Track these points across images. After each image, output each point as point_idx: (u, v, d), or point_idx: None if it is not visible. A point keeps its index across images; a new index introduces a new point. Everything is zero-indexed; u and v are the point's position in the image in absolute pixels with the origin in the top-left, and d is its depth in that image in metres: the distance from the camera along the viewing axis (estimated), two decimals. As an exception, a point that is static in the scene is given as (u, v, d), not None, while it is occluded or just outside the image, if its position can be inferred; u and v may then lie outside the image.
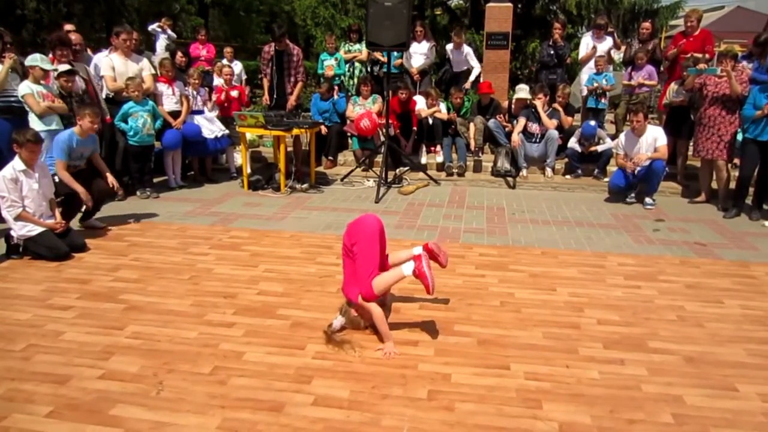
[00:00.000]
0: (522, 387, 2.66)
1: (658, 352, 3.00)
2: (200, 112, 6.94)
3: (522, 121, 7.27)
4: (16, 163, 4.23)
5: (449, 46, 8.74)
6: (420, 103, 7.79)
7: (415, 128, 7.63)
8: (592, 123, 7.13)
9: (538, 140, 7.28)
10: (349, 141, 7.95)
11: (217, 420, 2.37)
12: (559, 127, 7.24)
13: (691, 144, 6.65)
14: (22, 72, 5.39)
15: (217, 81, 7.87)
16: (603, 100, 7.60)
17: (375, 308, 2.98)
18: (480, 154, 7.70)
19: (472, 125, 7.63)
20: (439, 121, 7.64)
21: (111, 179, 5.05)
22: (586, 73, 7.85)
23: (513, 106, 7.79)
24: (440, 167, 7.56)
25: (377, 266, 3.07)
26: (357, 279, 3.02)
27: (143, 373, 2.72)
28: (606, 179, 6.92)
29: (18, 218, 4.21)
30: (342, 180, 7.17)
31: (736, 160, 6.40)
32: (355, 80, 8.59)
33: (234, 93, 7.40)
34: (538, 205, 6.19)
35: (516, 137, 7.20)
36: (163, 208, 5.76)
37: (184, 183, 6.84)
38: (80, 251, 4.41)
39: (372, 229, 3.04)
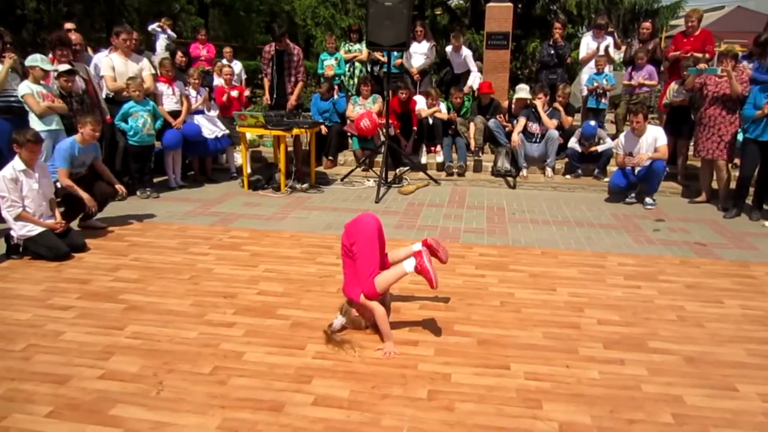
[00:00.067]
0: (522, 387, 2.66)
1: (658, 352, 3.00)
2: (200, 112, 6.94)
3: (522, 120, 7.27)
4: (16, 163, 4.23)
5: (449, 48, 8.75)
6: (420, 103, 7.79)
7: (415, 128, 7.63)
8: (592, 123, 7.13)
9: (538, 140, 7.28)
10: (350, 141, 7.95)
11: (217, 420, 2.37)
12: (560, 127, 7.23)
13: (692, 144, 6.64)
14: (22, 72, 5.39)
15: (217, 81, 7.87)
16: (603, 100, 7.59)
17: (377, 307, 2.99)
18: (480, 154, 7.69)
19: (472, 125, 7.63)
20: (440, 121, 7.63)
21: (119, 186, 5.10)
22: (587, 73, 7.85)
23: (513, 106, 7.78)
24: (440, 167, 7.56)
25: (378, 265, 3.07)
26: (359, 278, 3.02)
27: (143, 373, 2.72)
28: (606, 179, 6.92)
29: (18, 218, 4.21)
30: (342, 180, 7.17)
31: (737, 160, 6.40)
32: (356, 80, 8.59)
33: (234, 93, 7.40)
34: (538, 205, 6.19)
35: (516, 137, 7.20)
36: (163, 208, 5.76)
37: (184, 183, 6.84)
38: (80, 251, 4.42)
39: (370, 227, 3.05)
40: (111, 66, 6.23)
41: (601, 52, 7.71)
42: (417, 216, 5.64)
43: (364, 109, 7.59)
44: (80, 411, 2.42)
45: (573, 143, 7.21)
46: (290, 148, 7.17)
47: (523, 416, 2.44)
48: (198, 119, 6.87)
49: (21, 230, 4.24)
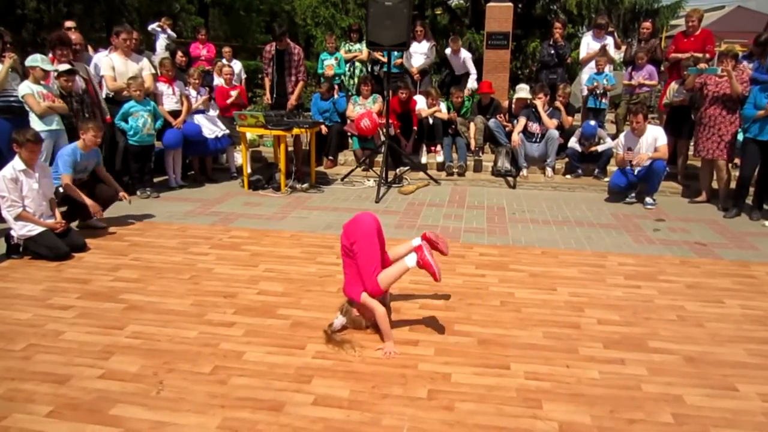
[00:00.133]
0: (522, 387, 2.66)
1: (658, 352, 3.00)
2: (200, 111, 6.94)
3: (522, 120, 7.27)
4: (16, 163, 4.23)
5: (448, 50, 8.76)
6: (420, 102, 7.79)
7: (415, 128, 7.63)
8: (592, 123, 7.13)
9: (538, 140, 7.28)
10: (350, 141, 7.95)
11: (217, 420, 2.37)
12: (560, 127, 7.24)
13: (692, 144, 6.64)
14: (22, 72, 5.39)
15: (218, 81, 7.87)
16: (604, 100, 7.59)
17: (378, 307, 2.99)
18: (480, 154, 7.69)
19: (472, 125, 7.63)
20: (440, 121, 7.63)
21: (123, 194, 5.14)
22: (587, 72, 7.84)
23: (513, 106, 7.78)
24: (440, 167, 7.56)
25: (380, 262, 3.08)
26: (361, 277, 3.03)
27: (143, 372, 2.72)
28: (606, 179, 6.91)
29: (18, 218, 4.21)
30: (342, 180, 7.17)
31: (737, 160, 6.40)
32: (356, 80, 8.59)
33: (234, 93, 7.40)
34: (539, 204, 6.19)
35: (516, 137, 7.20)
36: (163, 208, 5.76)
37: (184, 183, 6.84)
38: (80, 251, 4.42)
39: (369, 226, 3.05)
40: (111, 66, 6.23)
41: (604, 50, 7.70)
42: (417, 216, 5.64)
43: (364, 109, 7.59)
44: (80, 411, 2.42)
45: (573, 143, 7.21)
46: (290, 148, 7.17)
47: (523, 416, 2.44)
48: (198, 119, 6.87)
49: (21, 230, 4.24)
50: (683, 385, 2.69)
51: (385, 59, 7.72)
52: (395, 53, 8.00)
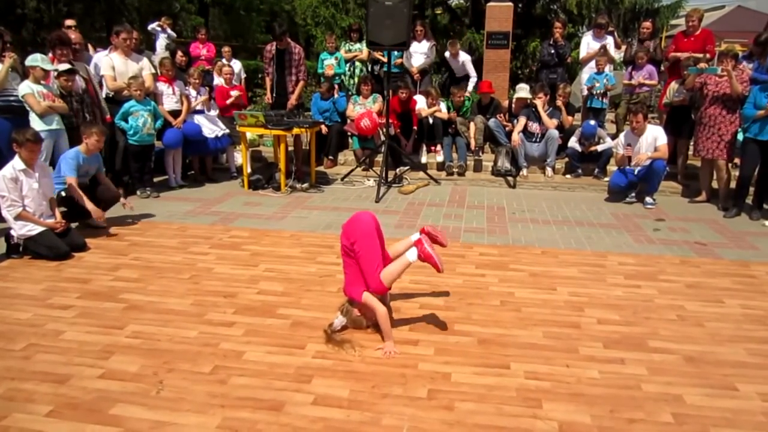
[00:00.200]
0: (522, 386, 2.65)
1: (658, 352, 3.00)
2: (200, 111, 6.94)
3: (522, 120, 7.27)
4: (16, 163, 4.23)
5: (447, 54, 8.76)
6: (420, 102, 7.79)
7: (415, 128, 7.63)
8: (592, 122, 7.13)
9: (538, 140, 7.28)
10: (350, 140, 7.95)
11: (217, 419, 2.37)
12: (560, 127, 7.24)
13: (692, 143, 6.64)
14: (22, 71, 5.39)
15: (218, 80, 7.87)
16: (604, 100, 7.59)
17: (379, 307, 2.99)
18: (480, 154, 7.69)
19: (472, 125, 7.63)
20: (440, 121, 7.63)
21: (124, 200, 5.18)
22: (587, 72, 7.84)
23: (513, 106, 7.78)
24: (440, 167, 7.56)
25: (381, 260, 3.08)
26: (364, 276, 3.03)
27: (143, 372, 2.72)
28: (606, 179, 6.91)
29: (18, 218, 4.21)
30: (342, 179, 7.17)
31: (737, 160, 6.40)
32: (356, 79, 8.59)
33: (234, 93, 7.40)
34: (539, 204, 6.19)
35: (516, 137, 7.20)
36: (163, 208, 5.76)
37: (184, 182, 6.84)
38: (80, 251, 4.42)
39: (369, 225, 3.05)
40: (111, 65, 6.22)
41: (603, 51, 7.70)
42: (417, 215, 5.64)
43: (364, 109, 7.59)
44: (80, 410, 2.42)
45: (573, 143, 7.21)
46: (290, 148, 7.17)
47: (523, 416, 2.43)
48: (198, 119, 6.87)
49: (21, 230, 4.24)
50: (683, 385, 2.69)
51: (385, 59, 7.71)
52: (395, 53, 8.00)
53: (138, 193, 6.21)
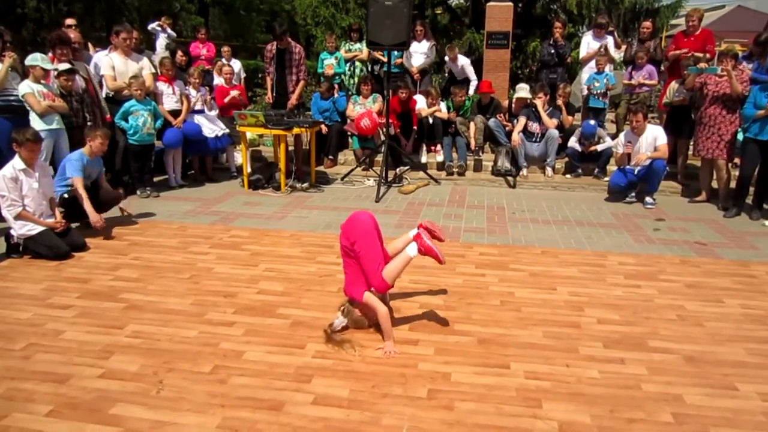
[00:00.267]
0: (522, 386, 2.65)
1: (658, 352, 3.00)
2: (200, 111, 6.94)
3: (522, 120, 7.27)
4: (16, 162, 4.23)
5: (446, 58, 8.76)
6: (420, 102, 7.79)
7: (415, 127, 7.63)
8: (592, 122, 7.13)
9: (538, 139, 7.28)
10: (350, 140, 7.95)
11: (217, 419, 2.37)
12: (560, 127, 7.24)
13: (692, 143, 6.64)
14: (22, 71, 5.39)
15: (218, 80, 7.87)
16: (604, 100, 7.59)
17: (380, 306, 2.99)
18: (480, 154, 7.69)
19: (472, 124, 7.62)
20: (440, 121, 7.63)
21: (122, 207, 5.20)
22: (587, 72, 7.84)
23: (513, 106, 7.78)
24: (440, 166, 7.56)
25: (382, 258, 3.08)
26: (366, 275, 3.03)
27: (143, 372, 2.72)
28: (606, 178, 6.91)
29: (18, 217, 4.21)
30: (342, 179, 7.17)
31: (737, 160, 6.40)
32: (356, 79, 8.59)
33: (234, 92, 7.40)
34: (538, 204, 6.19)
35: (516, 136, 7.20)
36: (163, 207, 5.76)
37: (184, 182, 6.84)
38: (80, 250, 4.42)
39: (367, 224, 3.06)
40: (111, 65, 6.23)
41: (603, 50, 7.70)
42: (417, 215, 5.64)
43: (364, 109, 7.59)
44: (80, 410, 2.42)
45: (573, 143, 7.20)
46: (291, 148, 7.17)
47: (523, 415, 2.44)
48: (198, 118, 6.87)
49: (21, 229, 4.24)
50: (683, 385, 2.69)
51: (385, 59, 7.71)
52: (395, 53, 8.00)
53: (138, 192, 6.21)
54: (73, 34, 6.29)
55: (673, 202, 6.37)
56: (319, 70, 8.76)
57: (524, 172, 7.33)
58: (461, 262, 4.30)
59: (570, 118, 7.50)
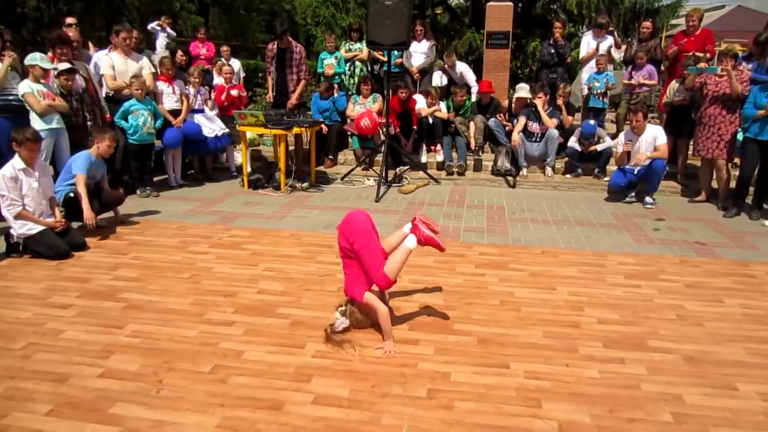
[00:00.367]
0: (522, 386, 2.65)
1: (657, 351, 3.00)
2: (200, 110, 6.93)
3: (522, 120, 7.27)
4: (16, 162, 4.23)
5: (445, 66, 8.75)
6: (420, 102, 7.79)
7: (415, 127, 7.63)
8: (592, 122, 7.13)
9: (538, 139, 7.28)
10: (350, 140, 7.95)
11: (216, 419, 2.37)
12: (560, 126, 7.24)
13: (692, 143, 6.64)
14: (22, 70, 5.39)
15: (217, 80, 7.87)
16: (604, 100, 7.59)
17: (381, 306, 2.99)
18: (480, 154, 7.69)
19: (472, 124, 7.63)
20: (440, 120, 7.63)
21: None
22: (587, 72, 7.85)
23: (513, 105, 7.79)
24: (440, 166, 7.56)
25: (382, 255, 3.08)
26: (368, 274, 3.03)
27: (143, 371, 2.72)
28: (606, 178, 6.92)
29: (18, 217, 4.21)
30: (342, 179, 7.17)
31: (737, 160, 6.40)
32: (356, 79, 8.59)
33: (234, 92, 7.40)
34: (538, 204, 6.19)
35: (516, 136, 7.20)
36: (163, 207, 5.76)
37: (184, 182, 6.84)
38: (80, 250, 4.42)
39: (364, 222, 3.07)
40: (111, 65, 6.23)
41: (602, 51, 7.70)
42: (417, 215, 5.63)
43: (364, 108, 7.59)
44: (80, 409, 2.42)
45: (573, 142, 7.21)
46: (291, 147, 7.16)
47: (522, 415, 2.44)
48: (198, 118, 6.87)
49: (21, 229, 4.23)
50: (683, 385, 2.69)
51: (385, 58, 7.71)
52: (395, 52, 8.00)
53: (138, 192, 6.21)
54: (72, 33, 6.29)
55: (672, 202, 6.37)
56: (319, 70, 8.76)
57: (524, 171, 7.33)
58: (461, 262, 4.30)
59: (570, 117, 7.50)
